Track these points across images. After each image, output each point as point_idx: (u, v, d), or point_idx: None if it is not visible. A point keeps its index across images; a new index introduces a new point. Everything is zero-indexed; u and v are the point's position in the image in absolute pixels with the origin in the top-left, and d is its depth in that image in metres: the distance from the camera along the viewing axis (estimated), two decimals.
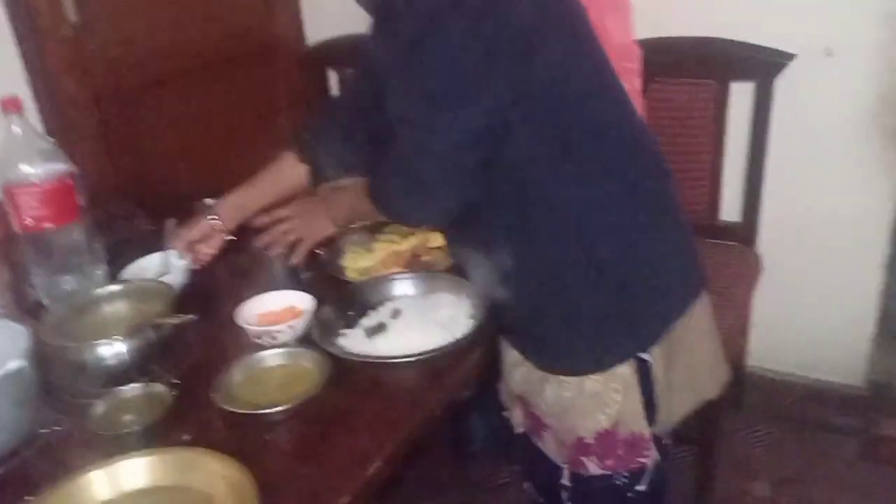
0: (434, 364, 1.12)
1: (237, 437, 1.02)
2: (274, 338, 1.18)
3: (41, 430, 1.05)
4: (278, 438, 1.03)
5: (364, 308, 1.28)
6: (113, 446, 0.98)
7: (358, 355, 1.13)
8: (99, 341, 1.11)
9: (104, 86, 1.88)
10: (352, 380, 1.11)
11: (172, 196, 1.76)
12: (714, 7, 1.86)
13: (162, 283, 1.25)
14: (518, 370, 1.21)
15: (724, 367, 1.32)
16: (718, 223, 2.03)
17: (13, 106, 1.27)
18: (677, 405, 1.20)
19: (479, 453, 2.05)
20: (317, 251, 1.39)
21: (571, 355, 1.14)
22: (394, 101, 1.09)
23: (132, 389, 1.08)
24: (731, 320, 1.79)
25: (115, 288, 1.24)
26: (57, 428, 1.06)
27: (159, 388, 1.08)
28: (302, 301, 1.25)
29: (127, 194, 1.92)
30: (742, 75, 1.87)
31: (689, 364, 1.19)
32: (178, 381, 1.12)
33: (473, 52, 0.97)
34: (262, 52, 2.35)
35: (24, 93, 1.73)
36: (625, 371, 1.10)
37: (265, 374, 1.11)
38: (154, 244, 1.44)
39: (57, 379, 1.14)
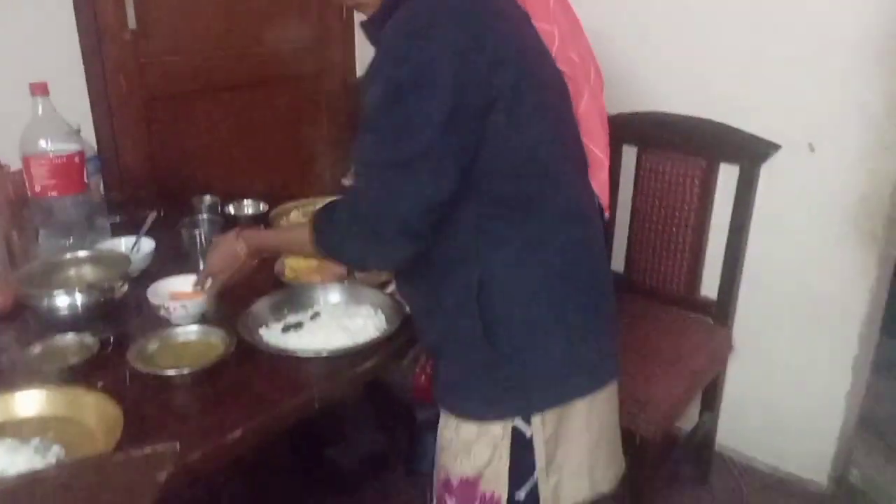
0: (325, 363, 1.26)
1: (138, 388, 1.18)
2: (169, 312, 1.34)
3: None
4: (171, 396, 1.18)
5: (296, 307, 1.43)
6: (39, 378, 1.16)
7: (261, 343, 1.28)
8: (56, 291, 1.31)
9: (154, 88, 2.13)
10: (253, 363, 1.26)
11: (200, 191, 1.94)
12: (710, 90, 1.94)
13: (121, 254, 1.44)
14: None
15: (621, 460, 1.33)
16: (697, 298, 2.07)
17: (40, 90, 1.50)
18: (568, 491, 1.22)
19: (427, 470, 2.14)
20: None
21: (454, 396, 1.21)
22: (364, 150, 1.10)
23: (68, 337, 1.26)
24: (690, 392, 1.83)
25: (83, 254, 1.44)
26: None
27: (90, 339, 1.25)
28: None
29: (159, 184, 2.17)
30: (729, 158, 1.93)
31: (585, 452, 1.22)
32: (112, 337, 1.30)
33: (442, 124, 1.02)
34: (311, 77, 2.57)
35: (80, 85, 2.00)
36: (498, 431, 1.16)
37: (181, 345, 1.27)
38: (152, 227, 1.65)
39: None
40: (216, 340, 1.26)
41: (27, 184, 1.55)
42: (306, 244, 1.20)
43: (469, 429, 1.18)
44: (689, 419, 2.17)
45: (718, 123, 1.93)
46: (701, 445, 2.15)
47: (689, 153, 1.97)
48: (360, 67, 2.71)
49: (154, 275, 1.57)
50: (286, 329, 1.34)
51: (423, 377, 1.84)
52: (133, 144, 2.12)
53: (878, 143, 1.72)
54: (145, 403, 1.16)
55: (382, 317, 1.39)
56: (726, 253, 1.98)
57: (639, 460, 1.68)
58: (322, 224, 1.19)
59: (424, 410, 2.10)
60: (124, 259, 1.42)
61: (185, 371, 1.17)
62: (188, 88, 2.22)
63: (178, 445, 0.73)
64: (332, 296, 1.46)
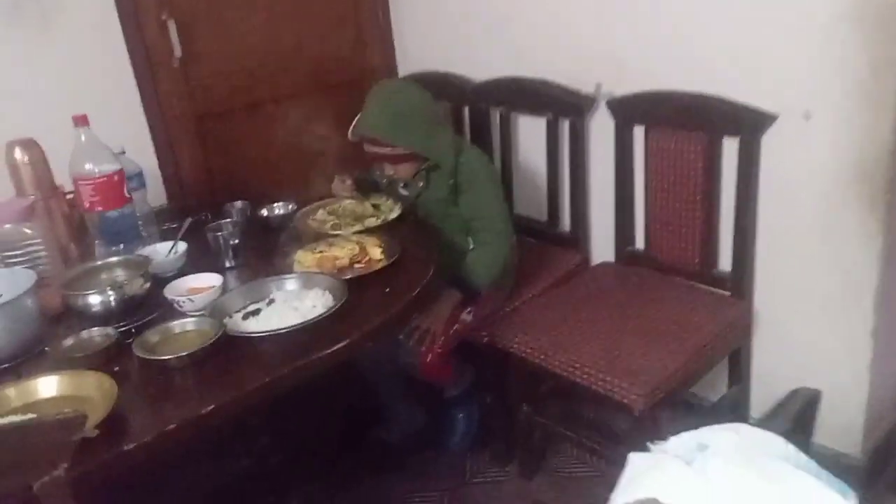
0: (283, 339, 1.45)
1: (143, 372, 1.41)
2: (181, 305, 1.57)
3: (37, 349, 1.52)
4: (167, 377, 1.39)
5: (255, 297, 1.62)
6: (69, 365, 1.42)
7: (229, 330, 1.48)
8: (87, 292, 1.56)
9: (204, 107, 2.39)
10: (230, 349, 1.44)
11: (251, 196, 2.18)
12: (704, 64, 1.95)
13: (145, 258, 1.69)
14: None
15: None
16: (713, 272, 2.08)
17: (81, 121, 1.77)
18: None
19: (457, 449, 2.28)
20: None
21: None
22: None
23: (95, 331, 1.50)
24: (691, 366, 1.85)
25: (113, 259, 1.70)
26: (46, 349, 1.52)
27: (111, 332, 1.49)
28: (216, 282, 1.63)
29: (214, 192, 2.43)
30: (730, 131, 1.93)
31: None
32: (135, 329, 1.54)
33: None
34: (354, 82, 2.75)
35: (137, 111, 2.29)
36: None
37: (179, 335, 1.49)
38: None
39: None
40: (209, 329, 1.47)
41: (79, 202, 1.83)
42: None
43: None
44: (718, 392, 2.19)
45: (716, 97, 1.93)
46: (733, 418, 2.16)
47: (691, 129, 1.99)
48: (403, 67, 2.87)
49: (185, 273, 1.82)
50: (246, 316, 1.54)
51: (430, 356, 1.97)
52: (189, 159, 2.39)
53: (867, 107, 1.68)
54: (146, 383, 1.39)
55: (330, 297, 1.55)
56: (735, 225, 1.99)
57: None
58: None
59: (451, 388, 2.25)
60: (146, 262, 1.66)
61: (174, 356, 1.38)
62: (235, 105, 2.47)
63: (86, 413, 0.92)
64: (289, 283, 1.64)
